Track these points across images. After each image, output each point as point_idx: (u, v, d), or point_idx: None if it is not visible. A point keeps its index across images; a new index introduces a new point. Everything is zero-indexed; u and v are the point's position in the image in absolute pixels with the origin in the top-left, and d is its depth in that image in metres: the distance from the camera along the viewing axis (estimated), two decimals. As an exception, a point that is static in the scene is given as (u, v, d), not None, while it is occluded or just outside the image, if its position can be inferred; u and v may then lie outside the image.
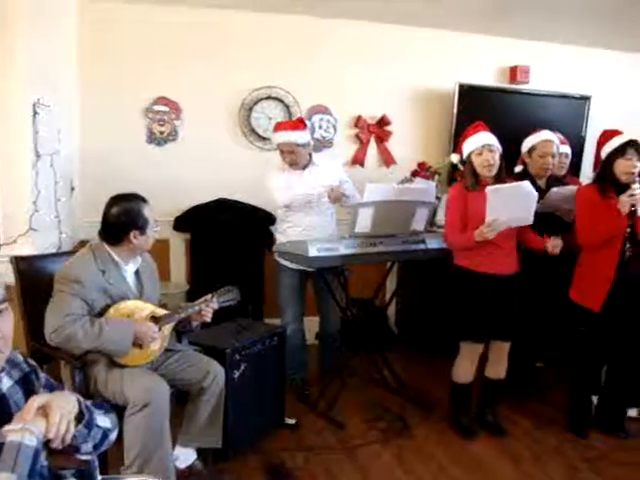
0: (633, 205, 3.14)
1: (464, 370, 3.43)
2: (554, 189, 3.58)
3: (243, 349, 3.16)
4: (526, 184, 3.18)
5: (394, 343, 4.78)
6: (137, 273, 2.85)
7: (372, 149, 5.01)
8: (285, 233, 3.84)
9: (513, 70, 5.30)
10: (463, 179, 3.36)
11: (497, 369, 3.49)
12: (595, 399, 3.63)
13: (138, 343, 2.64)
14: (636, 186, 3.13)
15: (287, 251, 3.55)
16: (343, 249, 3.40)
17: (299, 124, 3.75)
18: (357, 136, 4.94)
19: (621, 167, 3.22)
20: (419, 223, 3.57)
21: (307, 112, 4.77)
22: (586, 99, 5.35)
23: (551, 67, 5.46)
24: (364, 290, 4.24)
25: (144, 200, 2.77)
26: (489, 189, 3.08)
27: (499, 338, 3.40)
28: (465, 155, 3.30)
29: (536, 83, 5.35)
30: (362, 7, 4.48)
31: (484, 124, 3.33)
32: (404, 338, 4.95)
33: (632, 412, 3.68)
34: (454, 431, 3.48)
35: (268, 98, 4.69)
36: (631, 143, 3.23)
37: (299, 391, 3.91)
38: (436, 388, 3.95)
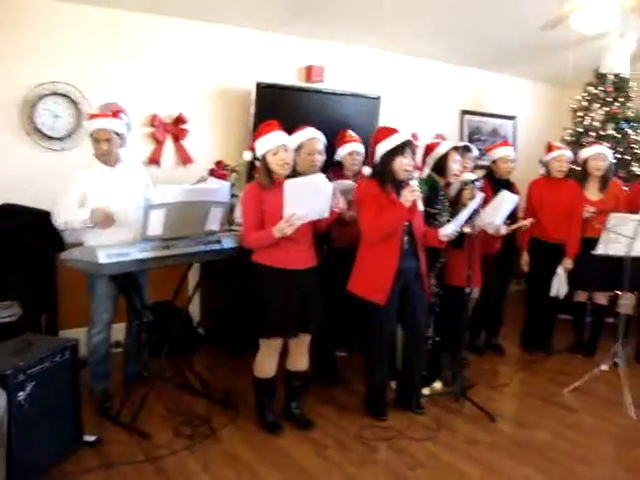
0: (414, 200, 3.36)
1: (265, 365, 3.45)
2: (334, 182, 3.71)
3: (29, 368, 2.90)
4: (321, 177, 3.23)
5: (200, 344, 4.72)
6: None
7: (169, 148, 4.90)
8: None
9: (308, 69, 5.47)
10: (258, 177, 3.35)
11: (298, 361, 3.54)
12: (393, 383, 3.86)
13: None
14: (415, 182, 3.36)
15: (76, 259, 3.32)
16: (136, 253, 3.25)
17: (117, 114, 3.72)
18: (152, 135, 4.79)
19: (399, 164, 3.43)
20: (214, 223, 3.53)
21: (99, 110, 4.51)
22: (377, 99, 5.65)
23: (344, 67, 5.71)
24: (166, 293, 4.11)
25: None
26: (286, 183, 3.08)
27: (299, 332, 3.44)
28: (260, 153, 3.28)
29: (331, 83, 5.57)
30: (162, 2, 4.36)
31: (277, 123, 3.33)
32: (211, 339, 4.90)
33: (425, 390, 3.99)
34: (260, 428, 3.50)
35: (54, 94, 4.38)
36: (408, 142, 3.44)
37: (100, 404, 3.71)
38: (244, 387, 3.92)
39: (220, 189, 3.57)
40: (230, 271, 4.29)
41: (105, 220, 3.48)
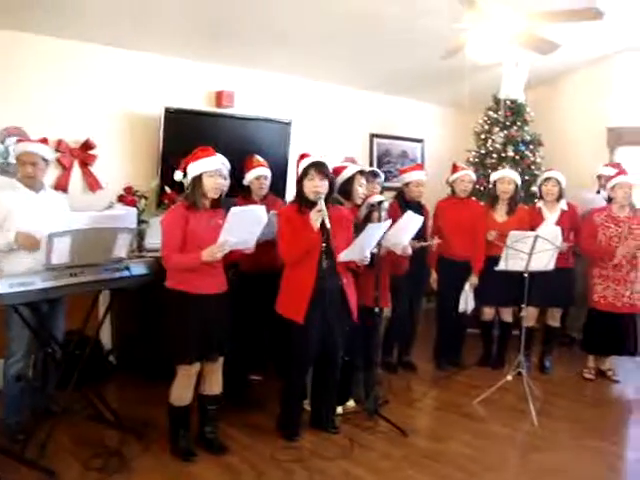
0: (323, 220, 3.44)
1: (182, 392, 3.41)
2: (234, 209, 3.72)
3: None
4: (262, 209, 3.33)
5: (112, 373, 4.59)
6: None
7: (76, 174, 4.79)
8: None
9: (219, 95, 5.50)
10: (186, 199, 3.34)
11: (212, 386, 3.53)
12: (306, 403, 3.89)
13: None
14: (321, 202, 3.44)
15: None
16: (40, 283, 3.16)
17: (45, 141, 3.74)
18: (59, 160, 4.68)
19: (308, 186, 3.54)
20: (121, 250, 3.49)
21: (0, 134, 4.39)
22: (288, 124, 5.74)
23: (255, 93, 5.77)
24: (77, 321, 3.99)
25: None
26: (233, 210, 3.15)
27: (212, 356, 3.44)
28: (195, 174, 3.29)
29: (242, 108, 5.61)
30: (64, 25, 4.31)
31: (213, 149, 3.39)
32: (123, 367, 4.78)
33: (339, 409, 4.04)
34: (174, 456, 3.44)
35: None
36: (313, 164, 3.54)
37: (12, 437, 3.55)
38: (157, 415, 3.85)
39: (127, 215, 3.54)
40: (141, 298, 4.22)
41: (31, 244, 3.46)
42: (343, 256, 3.54)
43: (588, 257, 4.93)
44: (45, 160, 3.67)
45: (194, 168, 3.31)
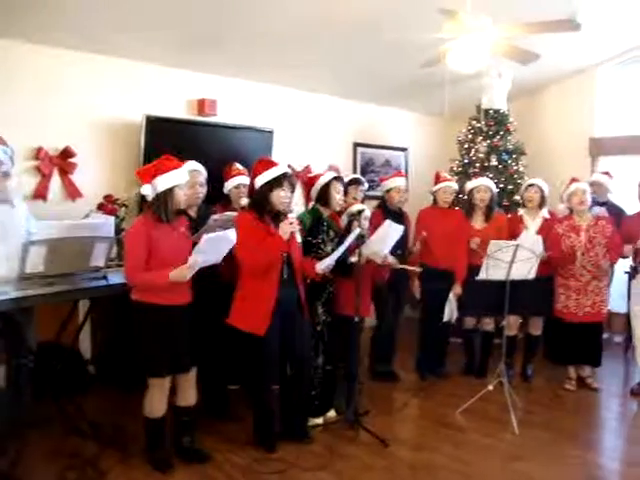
0: (292, 232, 3.45)
1: (155, 404, 3.36)
2: (214, 216, 3.74)
3: None
4: (233, 233, 3.24)
5: (91, 384, 4.54)
6: None
7: (56, 182, 4.73)
8: None
9: (201, 103, 5.48)
10: (153, 212, 3.23)
11: (187, 397, 3.49)
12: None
13: None
14: (293, 215, 3.44)
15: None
16: (13, 292, 3.12)
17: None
18: (37, 168, 4.61)
19: (277, 197, 3.49)
20: (99, 259, 3.46)
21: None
22: (270, 132, 5.73)
23: (238, 101, 5.76)
24: (54, 331, 3.94)
25: None
26: (206, 237, 3.10)
27: (183, 368, 3.39)
28: (165, 188, 3.19)
29: (224, 116, 5.60)
30: (42, 31, 4.28)
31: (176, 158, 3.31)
32: (103, 377, 4.73)
33: (319, 420, 4.01)
34: (152, 467, 3.39)
35: None
36: (286, 175, 3.52)
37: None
38: (135, 425, 3.78)
39: (104, 224, 3.51)
40: (119, 307, 4.17)
41: None
42: (322, 265, 3.54)
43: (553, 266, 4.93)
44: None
45: (164, 181, 3.20)
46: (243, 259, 3.45)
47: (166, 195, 3.21)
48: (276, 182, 3.49)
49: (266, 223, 3.49)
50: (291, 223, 3.42)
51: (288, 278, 3.55)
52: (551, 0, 4.75)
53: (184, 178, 3.26)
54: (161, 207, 3.20)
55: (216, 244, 3.18)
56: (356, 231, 3.76)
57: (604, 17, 5.31)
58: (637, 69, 6.55)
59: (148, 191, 3.23)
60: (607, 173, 5.76)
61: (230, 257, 3.43)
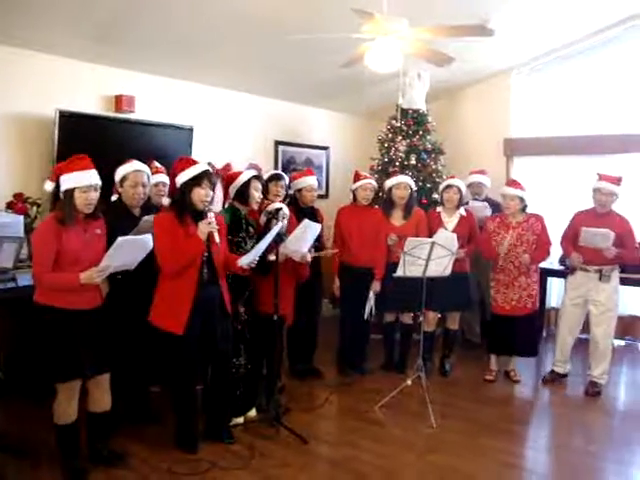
0: (210, 232, 3.41)
1: (65, 411, 3.24)
2: (145, 217, 3.66)
3: None
4: (149, 237, 3.18)
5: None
6: None
7: (-40, 180, 4.50)
8: None
9: (118, 99, 5.34)
10: (57, 212, 3.11)
11: (99, 402, 3.38)
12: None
13: None
14: (211, 214, 3.41)
15: None
16: None
17: None
18: (-60, 166, 4.38)
19: (197, 196, 3.45)
20: (7, 260, 3.33)
21: None
22: (190, 130, 5.66)
23: (157, 98, 5.65)
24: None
25: None
26: (120, 241, 2.98)
27: (92, 373, 3.28)
28: (66, 187, 3.07)
29: (143, 113, 5.48)
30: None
31: (90, 160, 3.17)
32: (11, 385, 4.52)
33: (240, 419, 4.00)
34: (66, 475, 3.27)
35: None
36: (206, 173, 3.48)
37: None
38: (47, 434, 3.64)
39: (12, 223, 3.38)
40: (29, 310, 4.00)
41: None
42: (245, 260, 3.52)
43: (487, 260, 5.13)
44: None
45: (66, 181, 3.08)
46: (160, 259, 3.39)
47: (66, 196, 3.09)
48: (196, 180, 3.44)
49: (186, 223, 3.44)
50: (209, 223, 3.38)
51: (209, 277, 3.52)
52: (467, 5, 4.91)
53: (86, 181, 3.09)
54: (65, 208, 3.09)
55: (129, 249, 3.09)
56: (278, 225, 3.76)
57: (517, 24, 5.54)
58: (548, 75, 6.84)
59: (50, 188, 3.16)
60: (482, 171, 6.04)
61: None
